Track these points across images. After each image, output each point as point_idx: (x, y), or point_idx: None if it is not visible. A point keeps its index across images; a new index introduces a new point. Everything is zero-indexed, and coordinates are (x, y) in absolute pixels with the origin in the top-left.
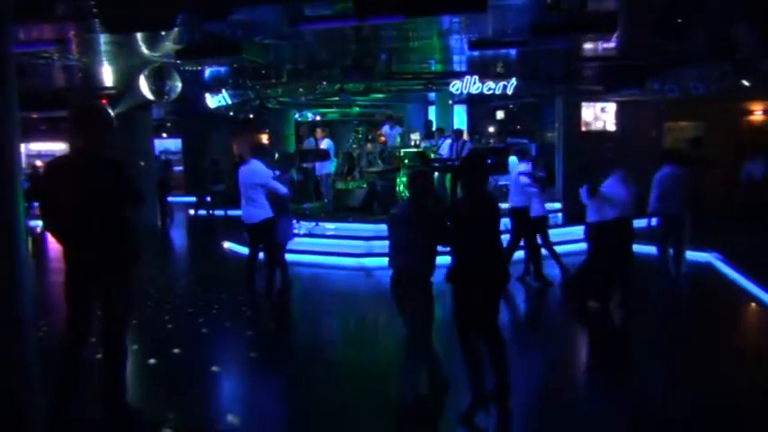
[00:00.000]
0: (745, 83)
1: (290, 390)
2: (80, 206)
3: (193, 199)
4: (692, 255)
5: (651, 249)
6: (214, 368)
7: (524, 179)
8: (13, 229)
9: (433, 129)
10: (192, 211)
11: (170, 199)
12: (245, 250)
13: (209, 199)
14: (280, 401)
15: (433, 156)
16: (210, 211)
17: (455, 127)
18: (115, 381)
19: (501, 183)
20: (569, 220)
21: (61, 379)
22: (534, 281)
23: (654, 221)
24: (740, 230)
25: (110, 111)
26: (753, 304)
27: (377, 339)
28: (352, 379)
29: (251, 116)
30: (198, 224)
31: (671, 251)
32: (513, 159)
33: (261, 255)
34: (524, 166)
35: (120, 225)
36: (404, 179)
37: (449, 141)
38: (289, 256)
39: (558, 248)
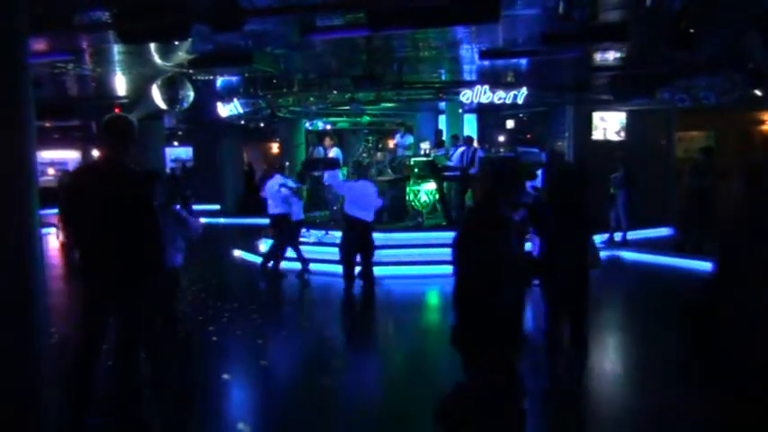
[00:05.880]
0: (757, 92)
1: (298, 397)
2: (106, 216)
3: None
4: (704, 264)
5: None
6: (225, 376)
7: (284, 191)
8: (28, 233)
9: (444, 138)
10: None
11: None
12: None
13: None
14: (284, 409)
15: (447, 164)
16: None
17: (465, 135)
18: (127, 389)
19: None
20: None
21: (73, 389)
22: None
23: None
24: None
25: (133, 121)
26: None
27: (390, 346)
28: (369, 386)
29: (262, 125)
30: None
31: None
32: None
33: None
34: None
35: (142, 235)
36: (414, 188)
37: (462, 149)
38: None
39: None
